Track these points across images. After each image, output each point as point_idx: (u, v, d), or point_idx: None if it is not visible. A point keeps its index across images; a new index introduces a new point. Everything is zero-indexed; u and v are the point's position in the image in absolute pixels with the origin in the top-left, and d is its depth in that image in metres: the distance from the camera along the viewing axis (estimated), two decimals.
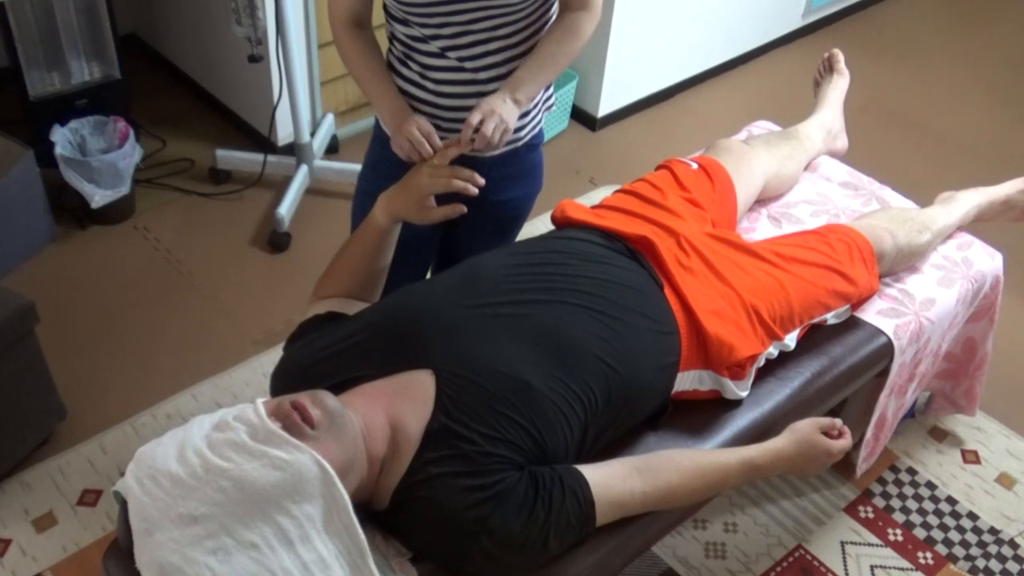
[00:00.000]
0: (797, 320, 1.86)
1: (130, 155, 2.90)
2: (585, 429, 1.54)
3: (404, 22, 1.72)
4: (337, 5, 1.76)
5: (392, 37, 1.79)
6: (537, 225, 3.09)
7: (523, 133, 1.85)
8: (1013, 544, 2.29)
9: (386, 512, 1.44)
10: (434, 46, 1.72)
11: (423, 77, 1.77)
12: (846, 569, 2.22)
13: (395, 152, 1.74)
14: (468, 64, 1.74)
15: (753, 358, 1.76)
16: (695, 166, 2.05)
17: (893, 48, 4.21)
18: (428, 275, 2.12)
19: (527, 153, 1.90)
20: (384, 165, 1.88)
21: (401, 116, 1.74)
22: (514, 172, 1.90)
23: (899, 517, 2.33)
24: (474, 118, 1.64)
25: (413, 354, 1.51)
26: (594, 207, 1.95)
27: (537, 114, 1.87)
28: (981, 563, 2.25)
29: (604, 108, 3.56)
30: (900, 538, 2.29)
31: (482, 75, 1.75)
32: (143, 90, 3.45)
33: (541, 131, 1.91)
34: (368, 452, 1.39)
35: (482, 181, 1.68)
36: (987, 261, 2.20)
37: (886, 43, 4.24)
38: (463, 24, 1.69)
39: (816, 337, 1.94)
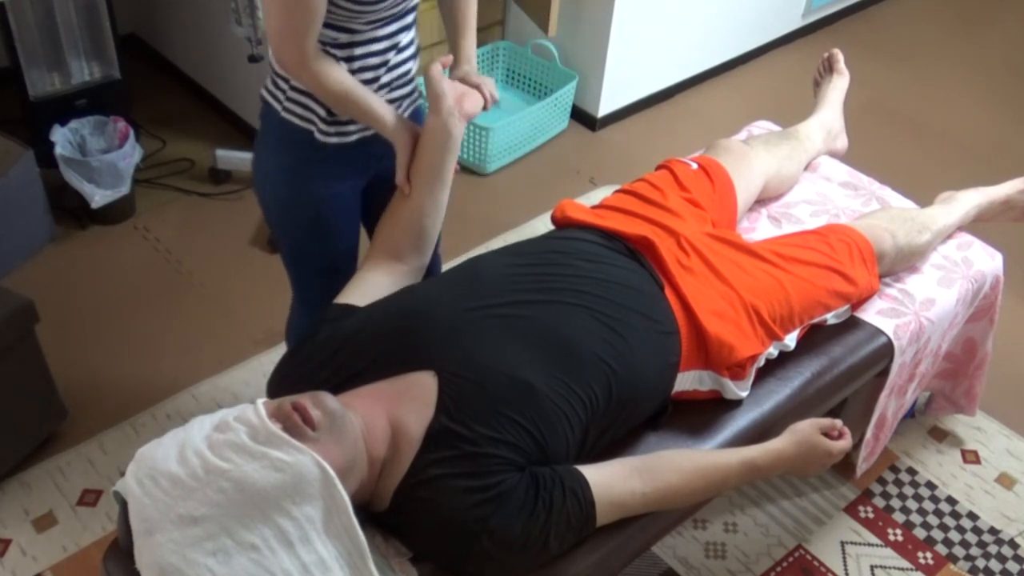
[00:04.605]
0: (797, 320, 1.86)
1: (130, 155, 2.90)
2: (586, 430, 1.54)
3: (347, 29, 1.67)
4: (306, 34, 1.58)
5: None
6: (537, 225, 3.09)
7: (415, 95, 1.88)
8: (1013, 544, 2.29)
9: (386, 513, 1.44)
10: (365, 37, 1.69)
11: (363, 81, 1.74)
12: (846, 569, 2.22)
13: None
14: (402, 44, 1.75)
15: (753, 358, 1.76)
16: (695, 166, 2.05)
17: (893, 48, 4.21)
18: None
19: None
20: (310, 167, 1.81)
21: (407, 124, 1.74)
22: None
23: (899, 517, 2.33)
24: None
25: (415, 356, 1.51)
26: (594, 207, 1.95)
27: None
28: (981, 563, 2.25)
29: (604, 108, 3.56)
30: (900, 538, 2.29)
31: (407, 51, 1.77)
32: (143, 90, 3.45)
33: None
34: (369, 453, 1.39)
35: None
36: (987, 261, 2.20)
37: (886, 43, 4.24)
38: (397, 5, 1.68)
39: (816, 337, 1.94)
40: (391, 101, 1.78)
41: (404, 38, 1.75)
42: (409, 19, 1.74)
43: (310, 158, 1.78)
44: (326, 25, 1.62)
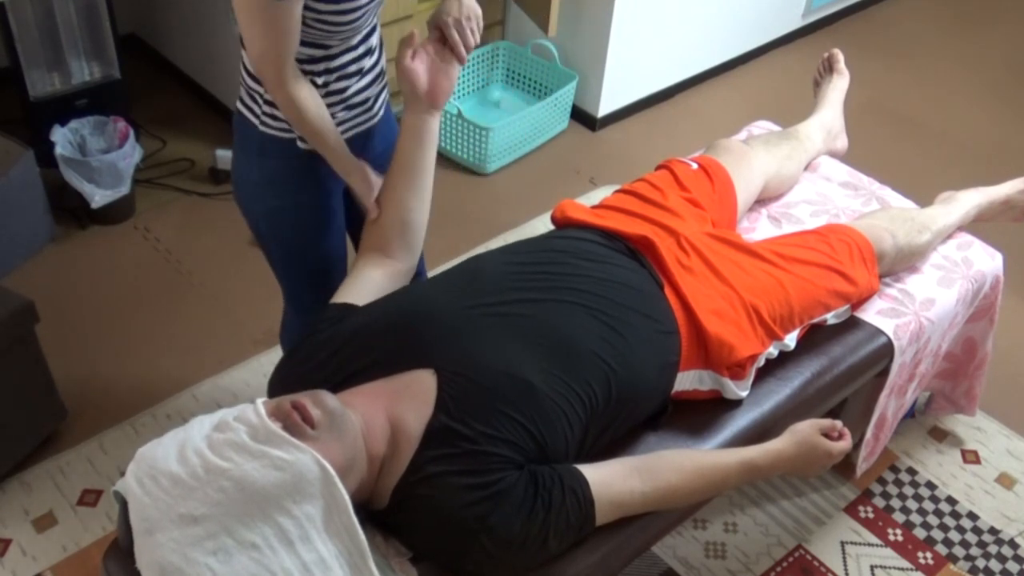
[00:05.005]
0: (797, 320, 1.86)
1: (130, 155, 2.90)
2: (586, 429, 1.54)
3: (322, 46, 1.67)
4: (286, 58, 1.58)
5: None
6: (537, 225, 3.09)
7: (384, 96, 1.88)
8: (1013, 544, 2.30)
9: (386, 511, 1.44)
10: (340, 49, 1.69)
11: (338, 92, 1.74)
12: (846, 569, 2.22)
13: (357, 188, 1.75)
14: (373, 46, 1.75)
15: (753, 358, 1.76)
16: (695, 166, 2.05)
17: (893, 48, 4.21)
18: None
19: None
20: (294, 175, 1.81)
21: (358, 163, 1.75)
22: (389, 116, 1.92)
23: (899, 517, 2.33)
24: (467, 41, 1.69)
25: (414, 354, 1.51)
26: (594, 207, 1.95)
27: None
28: (981, 563, 2.25)
29: (604, 108, 3.56)
30: (900, 538, 2.29)
31: (377, 53, 1.77)
32: (143, 90, 3.45)
33: None
34: (368, 451, 1.39)
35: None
36: (987, 261, 2.20)
37: (886, 43, 4.24)
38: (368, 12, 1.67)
39: (816, 337, 1.94)
40: (367, 100, 1.79)
41: (374, 40, 1.76)
42: (375, 20, 1.75)
43: (294, 167, 1.78)
44: (302, 43, 1.62)
